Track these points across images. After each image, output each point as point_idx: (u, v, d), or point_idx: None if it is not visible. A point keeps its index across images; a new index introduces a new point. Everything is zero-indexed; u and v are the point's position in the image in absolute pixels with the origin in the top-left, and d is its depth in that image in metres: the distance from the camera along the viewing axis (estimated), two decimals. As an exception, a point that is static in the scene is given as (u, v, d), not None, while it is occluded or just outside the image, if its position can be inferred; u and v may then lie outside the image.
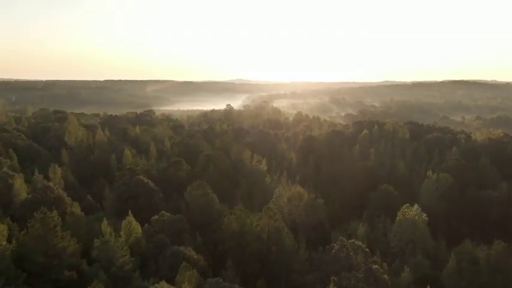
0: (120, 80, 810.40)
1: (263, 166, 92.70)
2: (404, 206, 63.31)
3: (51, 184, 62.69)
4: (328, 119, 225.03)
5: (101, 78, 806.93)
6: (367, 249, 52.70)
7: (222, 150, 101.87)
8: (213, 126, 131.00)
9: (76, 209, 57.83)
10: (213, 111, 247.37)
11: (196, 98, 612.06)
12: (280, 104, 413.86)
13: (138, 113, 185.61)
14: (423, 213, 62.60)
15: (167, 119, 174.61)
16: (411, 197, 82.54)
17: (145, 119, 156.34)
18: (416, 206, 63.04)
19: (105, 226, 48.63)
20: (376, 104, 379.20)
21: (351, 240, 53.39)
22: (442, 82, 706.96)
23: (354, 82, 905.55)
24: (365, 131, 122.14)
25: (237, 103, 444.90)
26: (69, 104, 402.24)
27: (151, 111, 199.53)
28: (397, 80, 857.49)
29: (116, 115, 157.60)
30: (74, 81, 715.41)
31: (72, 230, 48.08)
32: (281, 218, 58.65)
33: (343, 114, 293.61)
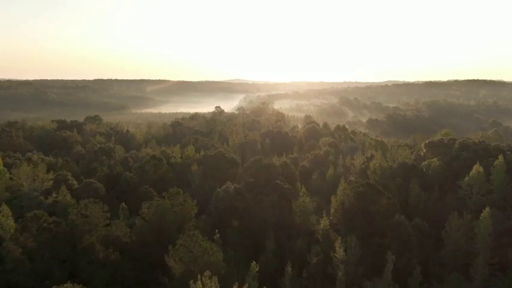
0: (111, 80, 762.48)
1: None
2: None
3: None
4: (346, 126, 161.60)
5: (91, 78, 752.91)
6: None
7: (151, 240, 37.27)
8: (162, 157, 65.04)
9: None
10: (193, 116, 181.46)
11: (187, 98, 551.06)
12: (282, 106, 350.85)
13: (70, 121, 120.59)
14: None
15: (109, 133, 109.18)
16: None
17: (61, 137, 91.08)
18: None
19: None
20: (399, 106, 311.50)
21: None
22: (456, 81, 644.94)
23: (356, 82, 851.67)
24: (477, 168, 57.13)
25: (232, 104, 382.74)
26: (28, 106, 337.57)
27: (96, 118, 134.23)
28: (401, 80, 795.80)
29: (7, 130, 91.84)
30: (62, 80, 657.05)
31: None
32: None
33: (364, 120, 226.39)
